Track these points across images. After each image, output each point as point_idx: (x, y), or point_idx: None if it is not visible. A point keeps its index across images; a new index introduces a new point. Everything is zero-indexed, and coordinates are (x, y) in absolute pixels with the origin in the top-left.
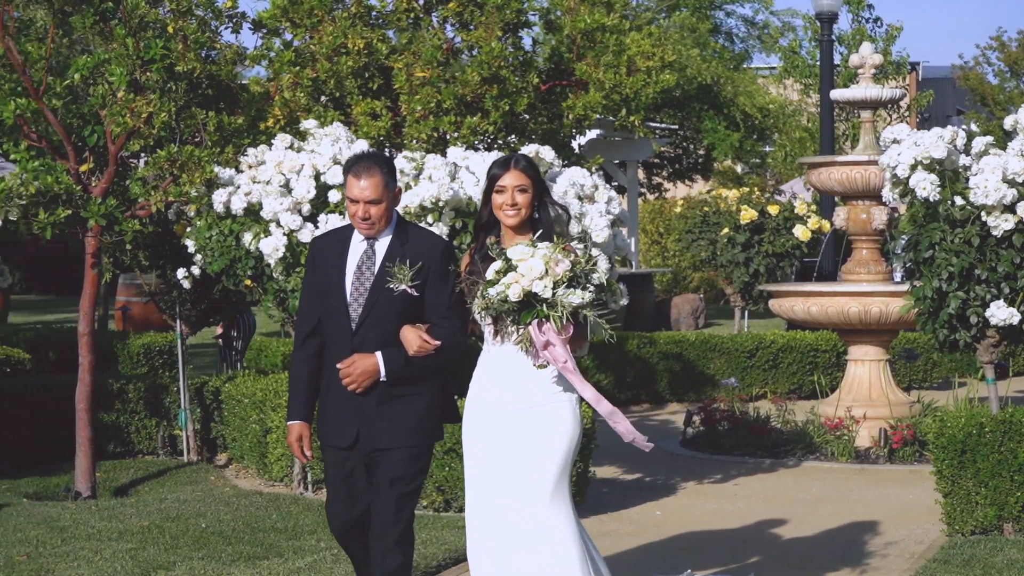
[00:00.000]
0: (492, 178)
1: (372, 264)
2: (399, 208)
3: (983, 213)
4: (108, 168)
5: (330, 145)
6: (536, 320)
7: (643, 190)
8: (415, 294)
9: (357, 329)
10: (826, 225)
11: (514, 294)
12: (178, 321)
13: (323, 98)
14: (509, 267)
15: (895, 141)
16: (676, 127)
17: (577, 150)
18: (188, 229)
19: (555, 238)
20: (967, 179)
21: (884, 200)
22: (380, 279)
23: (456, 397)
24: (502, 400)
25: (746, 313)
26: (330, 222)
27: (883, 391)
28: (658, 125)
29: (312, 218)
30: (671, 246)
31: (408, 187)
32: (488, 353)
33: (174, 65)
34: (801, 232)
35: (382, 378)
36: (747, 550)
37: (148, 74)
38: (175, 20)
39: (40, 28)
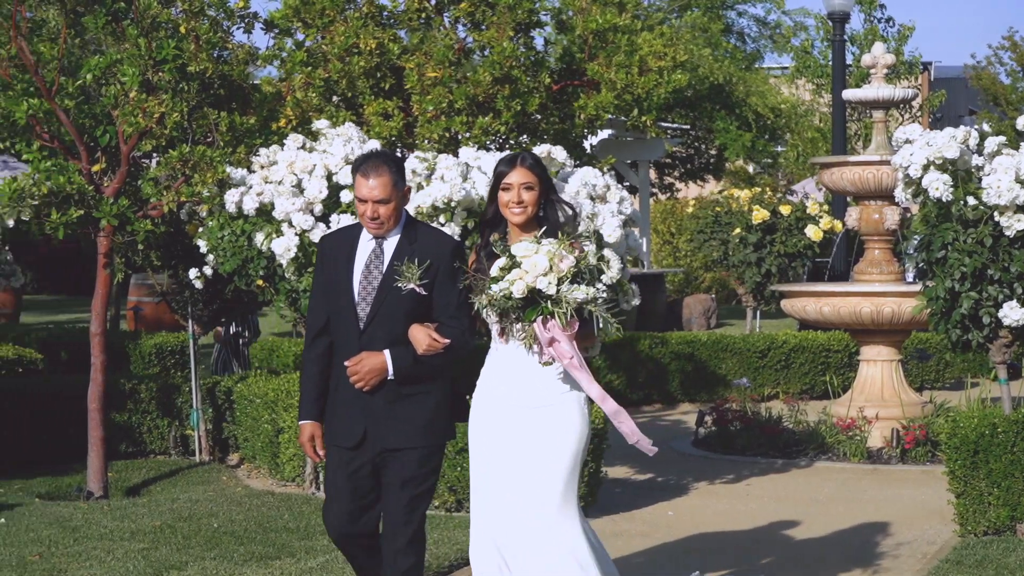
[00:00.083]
0: (498, 175)
1: (380, 263)
2: (411, 208)
3: (996, 213)
4: (120, 168)
5: (342, 145)
6: (541, 317)
7: (655, 190)
8: (423, 293)
9: (365, 328)
10: (838, 225)
11: (518, 291)
12: (190, 321)
13: (335, 98)
14: (513, 264)
15: (907, 141)
16: (688, 127)
17: (589, 150)
18: (200, 229)
19: (559, 234)
20: (980, 179)
21: (896, 200)
22: (388, 278)
23: (467, 396)
24: (509, 398)
25: (758, 313)
26: (342, 222)
27: (895, 391)
28: (670, 125)
29: (324, 218)
30: (683, 246)
31: (420, 187)
32: (496, 351)
33: (186, 65)
34: (813, 232)
35: (390, 376)
36: (759, 550)
37: (160, 74)
38: (187, 20)
39: (52, 28)
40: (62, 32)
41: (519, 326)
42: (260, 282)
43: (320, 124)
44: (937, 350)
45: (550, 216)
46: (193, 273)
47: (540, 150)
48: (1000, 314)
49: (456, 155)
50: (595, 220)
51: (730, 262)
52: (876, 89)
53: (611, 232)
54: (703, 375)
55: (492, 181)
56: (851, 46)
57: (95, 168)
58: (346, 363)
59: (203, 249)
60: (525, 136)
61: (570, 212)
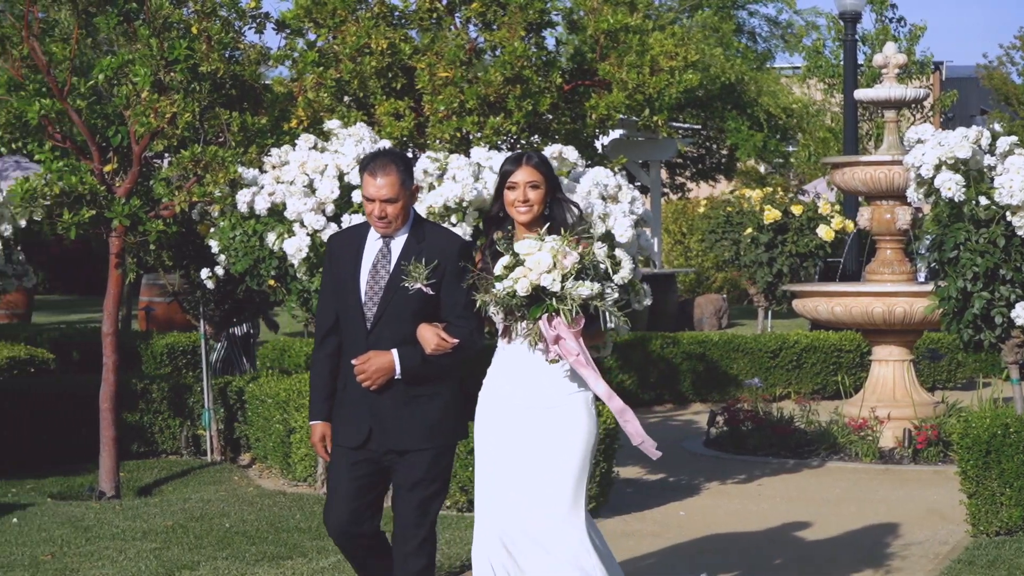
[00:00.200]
0: (504, 174)
1: (387, 262)
2: (423, 208)
3: (1008, 213)
4: (132, 168)
5: (353, 145)
6: (546, 314)
7: (666, 190)
8: (430, 293)
9: (372, 328)
10: (850, 225)
11: (522, 288)
12: (201, 321)
13: (346, 98)
14: (517, 262)
15: (919, 141)
16: (699, 127)
17: (600, 150)
18: (212, 229)
19: (561, 231)
20: (992, 179)
21: (908, 200)
22: (395, 278)
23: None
24: (515, 399)
25: (769, 313)
26: (354, 222)
27: (907, 391)
28: (681, 125)
29: (336, 218)
30: (694, 246)
31: (432, 187)
32: (502, 351)
33: (198, 65)
34: (825, 232)
35: (397, 376)
36: (771, 551)
37: (172, 74)
38: (199, 21)
39: (65, 29)
40: (74, 32)
41: (524, 324)
42: (272, 282)
43: (332, 124)
44: (949, 350)
45: (556, 215)
46: (205, 273)
47: (551, 150)
48: (1012, 314)
49: (468, 155)
50: (607, 220)
51: (742, 262)
52: (888, 89)
53: (623, 232)
54: (715, 375)
55: (498, 180)
56: (863, 46)
57: (107, 168)
58: (353, 362)
59: (215, 249)
60: (536, 136)
61: (577, 211)
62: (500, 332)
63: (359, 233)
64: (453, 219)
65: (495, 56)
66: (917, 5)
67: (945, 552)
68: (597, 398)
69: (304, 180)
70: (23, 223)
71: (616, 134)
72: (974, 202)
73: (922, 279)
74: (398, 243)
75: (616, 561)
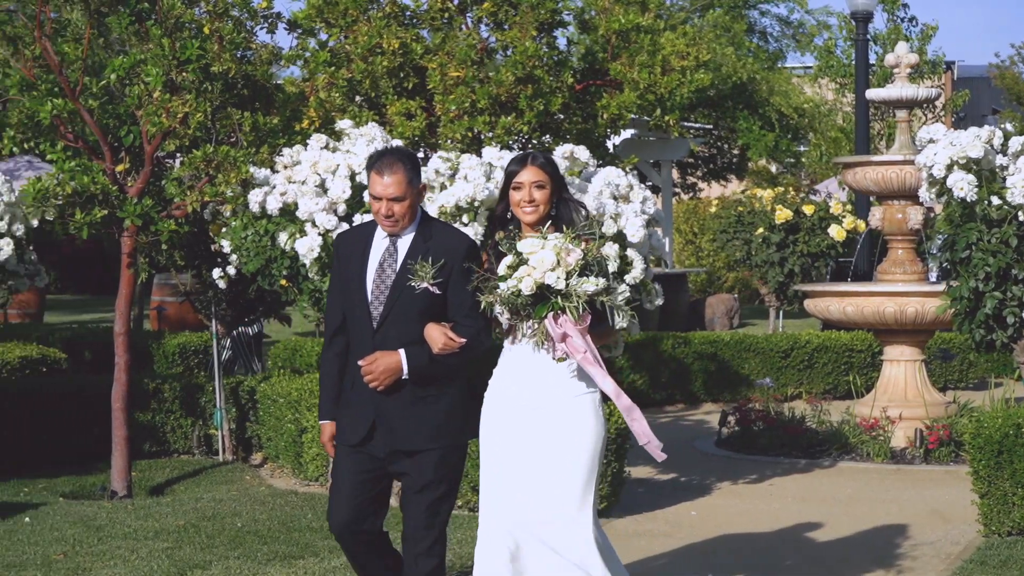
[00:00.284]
0: (509, 175)
1: (394, 262)
2: (434, 208)
3: (1020, 213)
4: (144, 168)
5: (365, 145)
6: (551, 312)
7: (677, 190)
8: (437, 292)
9: (378, 327)
10: (861, 225)
11: (527, 287)
12: (213, 321)
13: (358, 98)
14: (520, 261)
15: (931, 141)
16: (711, 127)
17: (611, 150)
18: (223, 229)
19: (564, 228)
20: (1004, 179)
21: (920, 200)
22: (401, 277)
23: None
24: (521, 399)
25: (781, 313)
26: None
27: (919, 391)
28: (692, 125)
29: (348, 218)
30: (706, 246)
31: (444, 187)
32: (508, 351)
33: (210, 65)
34: (836, 232)
35: (404, 375)
36: (782, 551)
37: (184, 74)
38: (211, 21)
39: (76, 29)
40: (86, 32)
41: (530, 324)
42: (283, 282)
43: (343, 124)
44: (961, 350)
45: (563, 215)
46: (216, 273)
47: (563, 150)
48: None
49: (479, 155)
50: (619, 220)
51: (753, 262)
52: (899, 88)
53: (634, 232)
54: (726, 375)
55: (503, 180)
56: (874, 45)
57: (119, 168)
58: (360, 363)
59: (226, 249)
60: (548, 136)
61: (584, 211)
62: (506, 332)
63: (366, 232)
64: (465, 219)
65: (506, 56)
66: (929, 5)
67: (957, 552)
68: (605, 398)
69: (316, 180)
70: (35, 223)
71: (627, 134)
72: (986, 202)
73: (933, 279)
74: (405, 242)
75: (622, 564)
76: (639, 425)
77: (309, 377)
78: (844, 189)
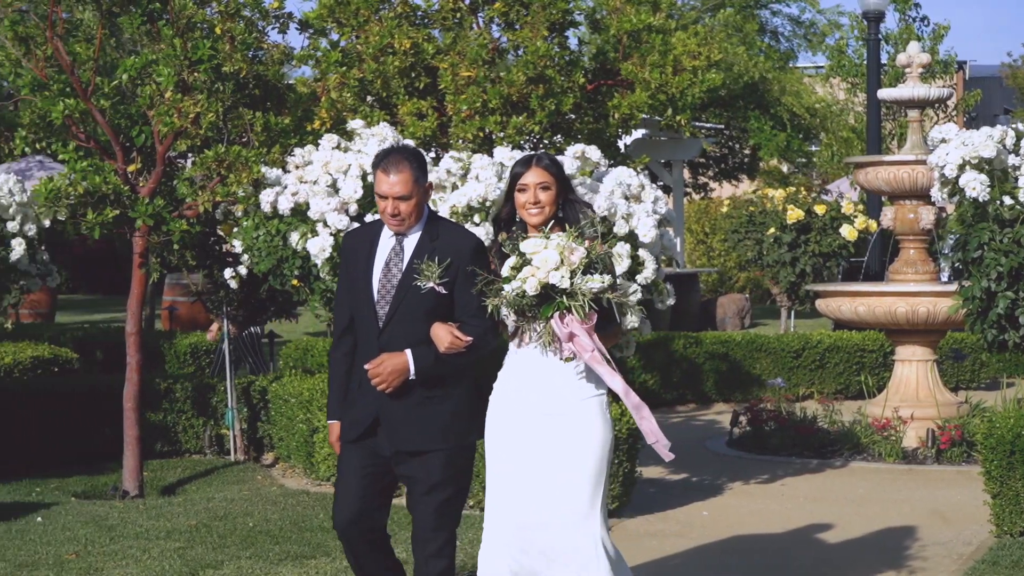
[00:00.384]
0: (514, 176)
1: (400, 261)
2: (446, 208)
3: None
4: (156, 168)
5: (377, 145)
6: (557, 312)
7: (688, 190)
8: (443, 292)
9: (384, 327)
10: (873, 225)
11: (531, 287)
12: (225, 321)
13: (369, 98)
14: (524, 261)
15: (943, 140)
16: (722, 127)
17: (623, 150)
18: (235, 229)
19: (567, 227)
20: (1016, 178)
21: (932, 200)
22: (408, 276)
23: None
24: (527, 404)
25: (792, 313)
26: None
27: (931, 391)
28: (704, 124)
29: (359, 218)
30: (717, 246)
31: (455, 187)
32: (514, 355)
33: (221, 65)
34: (848, 232)
35: (411, 376)
36: (794, 551)
37: (195, 74)
38: (222, 21)
39: (88, 29)
40: (98, 33)
41: (537, 326)
42: (295, 282)
43: (355, 124)
44: (973, 350)
45: (569, 216)
46: (228, 273)
47: (574, 150)
48: None
49: (491, 155)
50: (630, 220)
51: (764, 262)
52: (911, 88)
53: (646, 232)
54: (737, 375)
55: (508, 182)
56: (886, 45)
57: (131, 168)
58: (366, 366)
59: (238, 249)
60: (559, 136)
61: (590, 212)
62: (511, 335)
63: (373, 231)
64: (476, 219)
65: (518, 56)
66: (940, 4)
67: (969, 552)
68: (615, 398)
69: (327, 180)
70: (47, 223)
71: (639, 134)
72: (998, 202)
73: (945, 279)
74: (411, 241)
75: (630, 573)
76: (647, 424)
77: (320, 377)
78: (856, 189)
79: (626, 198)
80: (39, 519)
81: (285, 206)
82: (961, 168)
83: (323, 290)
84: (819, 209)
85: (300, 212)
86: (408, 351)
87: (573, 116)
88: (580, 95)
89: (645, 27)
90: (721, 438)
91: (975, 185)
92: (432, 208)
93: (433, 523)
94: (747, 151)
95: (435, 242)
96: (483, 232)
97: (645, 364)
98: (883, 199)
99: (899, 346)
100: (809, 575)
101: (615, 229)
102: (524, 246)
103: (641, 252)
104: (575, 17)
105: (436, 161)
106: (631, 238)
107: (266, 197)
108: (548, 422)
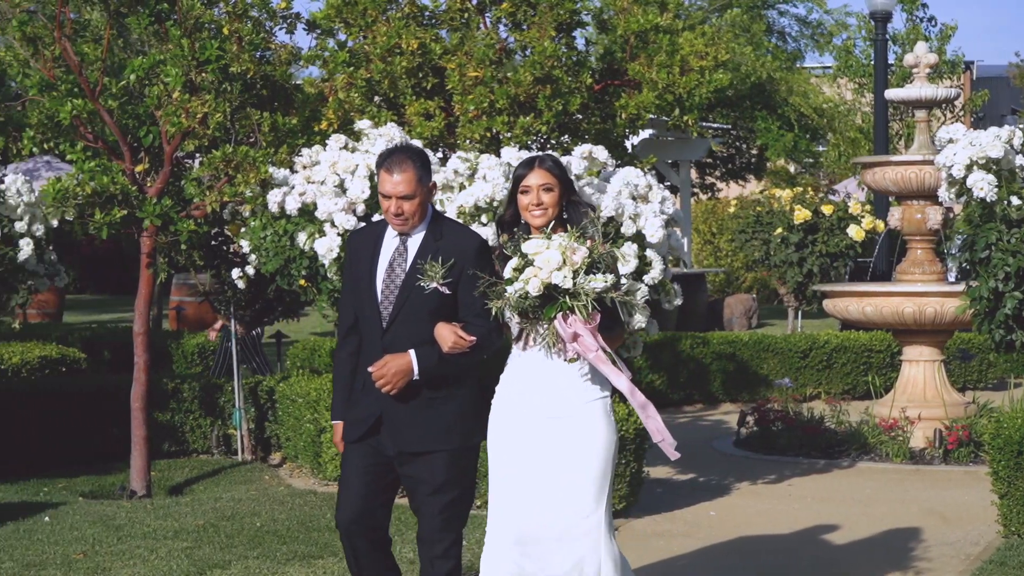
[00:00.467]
0: (517, 179)
1: (404, 261)
2: (453, 208)
3: None
4: (163, 168)
5: (384, 145)
6: (560, 313)
7: (696, 190)
8: (447, 292)
9: (388, 327)
10: (880, 225)
11: (534, 288)
12: (232, 321)
13: (377, 98)
14: (526, 262)
15: (951, 141)
16: (729, 127)
17: (630, 150)
18: (243, 229)
19: (568, 228)
20: (1023, 179)
21: (939, 200)
22: (411, 277)
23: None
24: (530, 406)
25: (799, 313)
26: None
27: (938, 392)
28: (711, 125)
29: (367, 218)
30: (724, 246)
31: (463, 187)
32: (517, 358)
33: (229, 66)
34: (855, 232)
35: (415, 376)
36: (801, 551)
37: (203, 75)
38: (230, 21)
39: (96, 29)
40: (106, 33)
41: (541, 328)
42: (302, 282)
43: (362, 124)
44: (980, 350)
45: (573, 218)
46: (236, 273)
47: (581, 150)
48: None
49: (498, 155)
50: (637, 220)
51: (771, 262)
52: (919, 89)
53: (653, 232)
54: (744, 375)
55: (511, 185)
56: (893, 45)
57: (138, 168)
58: (369, 369)
59: (246, 249)
60: (566, 136)
61: (593, 214)
62: (516, 338)
63: (377, 231)
64: (484, 219)
65: (525, 56)
66: (948, 4)
67: (976, 553)
68: (621, 398)
69: (335, 180)
70: (55, 223)
71: (646, 134)
72: (1006, 202)
73: (952, 279)
74: (415, 241)
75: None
76: (653, 423)
77: (328, 377)
78: (863, 189)
79: (633, 198)
80: (46, 519)
81: (292, 206)
82: (969, 168)
83: (330, 290)
84: (826, 209)
85: (307, 212)
86: (412, 351)
87: (580, 116)
88: (587, 95)
89: (652, 27)
90: (728, 438)
91: (983, 185)
92: (439, 208)
93: (439, 524)
94: (754, 151)
95: (439, 242)
96: (490, 232)
97: (652, 364)
98: (890, 199)
99: (906, 346)
100: (816, 575)
101: (623, 229)
102: (526, 247)
103: (648, 252)
104: (582, 17)
105: (444, 161)
106: (638, 238)
107: (273, 197)
108: (552, 425)
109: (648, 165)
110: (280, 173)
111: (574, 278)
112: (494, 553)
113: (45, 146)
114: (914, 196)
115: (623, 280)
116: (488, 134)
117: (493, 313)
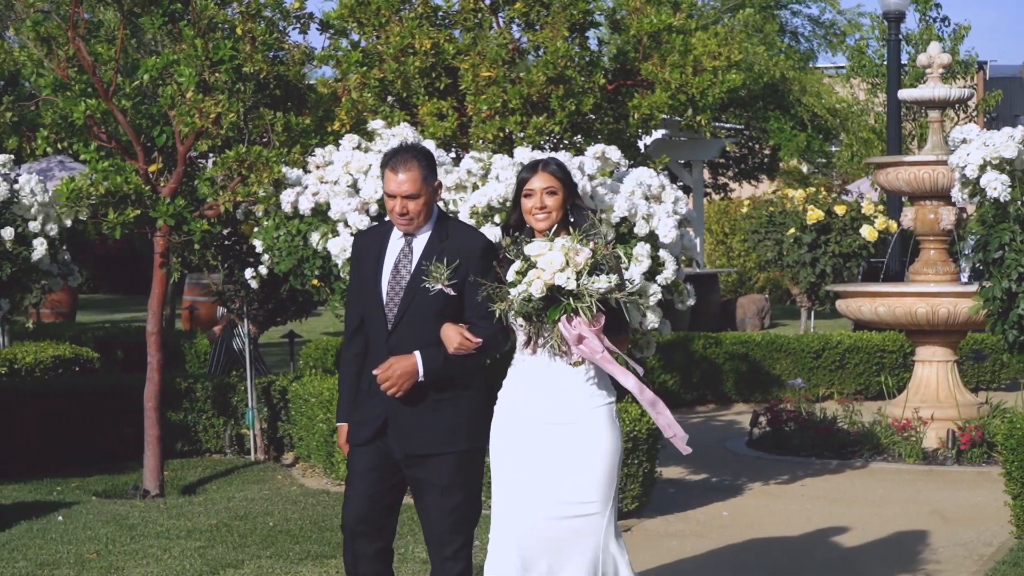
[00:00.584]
0: (520, 182)
1: (409, 262)
2: (466, 208)
3: None
4: (177, 168)
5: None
6: (565, 315)
7: (708, 190)
8: (452, 293)
9: (393, 329)
10: (893, 225)
11: (537, 290)
12: (245, 320)
13: (390, 98)
14: (529, 265)
15: (964, 141)
16: (742, 127)
17: (643, 150)
18: (256, 229)
19: (571, 231)
20: None
21: (953, 200)
22: (416, 278)
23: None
24: (535, 411)
25: (812, 313)
26: None
27: (951, 392)
28: (723, 125)
29: (379, 218)
30: (737, 246)
31: (476, 187)
32: (520, 363)
33: (242, 66)
34: (868, 232)
35: (420, 378)
36: (814, 551)
37: (216, 75)
38: (243, 21)
39: (110, 29)
40: (119, 33)
41: (545, 332)
42: (315, 282)
43: (375, 124)
44: (993, 351)
45: (578, 222)
46: (249, 273)
47: (594, 150)
48: None
49: (511, 155)
50: (650, 220)
51: (784, 262)
52: (932, 89)
53: (666, 232)
54: (757, 375)
55: (515, 188)
56: (906, 45)
57: (152, 168)
58: (374, 372)
59: (259, 249)
60: (579, 136)
61: (591, 216)
62: (524, 343)
63: (382, 231)
64: (497, 219)
65: (538, 56)
66: (961, 4)
67: (989, 553)
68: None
69: (348, 180)
70: (68, 223)
71: (659, 134)
72: (1019, 202)
73: (965, 279)
74: (420, 242)
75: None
76: (663, 418)
77: None
78: (876, 189)
79: (646, 198)
80: (60, 518)
81: (306, 206)
82: (982, 168)
83: (343, 290)
84: (839, 209)
85: (321, 212)
86: (417, 353)
87: (593, 116)
88: (600, 95)
89: (665, 27)
90: (741, 438)
91: (996, 185)
92: (451, 208)
93: (449, 526)
94: (767, 151)
95: (444, 243)
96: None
97: (665, 364)
98: (903, 199)
99: (919, 347)
100: (829, 575)
101: (636, 229)
102: (528, 249)
103: (661, 253)
104: (595, 17)
105: (457, 161)
106: (651, 239)
107: (287, 197)
108: (556, 431)
109: (661, 165)
110: (293, 173)
111: (577, 279)
112: (497, 559)
113: (59, 146)
114: (927, 196)
115: (630, 281)
116: (501, 134)
117: (496, 315)
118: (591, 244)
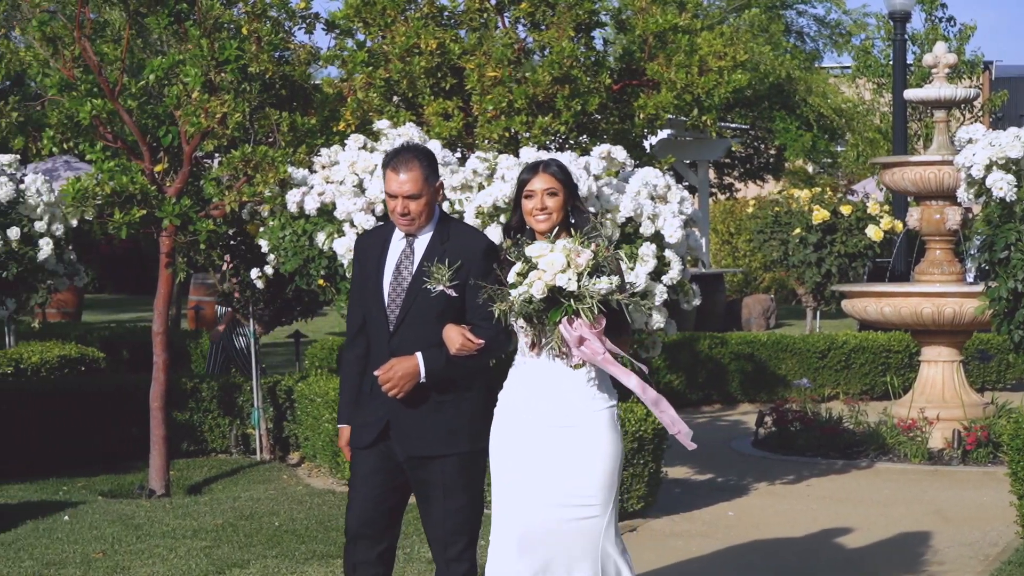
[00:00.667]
0: (521, 183)
1: (410, 263)
2: (471, 208)
3: None
4: (182, 168)
5: None
6: (565, 316)
7: (714, 190)
8: (454, 295)
9: (395, 330)
10: (899, 225)
11: (537, 291)
12: (251, 320)
13: (395, 98)
14: (530, 266)
15: (970, 141)
16: (748, 127)
17: (648, 150)
18: (261, 229)
19: (572, 232)
20: None
21: (958, 200)
22: (418, 279)
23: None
24: (535, 413)
25: (818, 313)
26: None
27: (956, 392)
28: (729, 125)
29: (385, 218)
30: (742, 246)
31: (481, 187)
32: (522, 365)
33: (248, 66)
34: (874, 232)
35: (422, 379)
36: (819, 551)
37: (222, 75)
38: (249, 21)
39: (116, 30)
40: (125, 33)
41: (547, 335)
42: (321, 282)
43: (381, 124)
44: (999, 351)
45: (580, 223)
46: (254, 273)
47: (600, 150)
48: None
49: (517, 155)
50: (656, 220)
51: (790, 262)
52: (938, 89)
53: (672, 232)
54: (763, 375)
55: (515, 189)
56: (912, 45)
57: (158, 168)
58: (376, 373)
59: (264, 249)
60: (585, 136)
61: (595, 219)
62: (523, 346)
63: (384, 232)
64: (503, 219)
65: (544, 56)
66: (967, 4)
67: (995, 554)
68: (635, 400)
69: (354, 180)
70: (74, 223)
71: (664, 134)
72: None
73: (971, 280)
74: (422, 242)
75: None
76: (667, 415)
77: None
78: (882, 189)
79: (652, 199)
80: (66, 518)
81: (311, 206)
82: (988, 168)
83: (349, 290)
84: (845, 209)
85: (326, 212)
86: (419, 354)
87: (599, 116)
88: (606, 95)
89: (671, 27)
90: (747, 438)
91: (1002, 185)
92: (456, 208)
93: (453, 527)
94: (772, 151)
95: (446, 244)
96: None
97: (670, 364)
98: (909, 200)
99: (925, 347)
100: (835, 575)
101: (641, 229)
102: (529, 250)
103: (667, 253)
104: (601, 17)
105: (462, 161)
106: (657, 239)
107: (292, 197)
108: (557, 434)
109: (666, 165)
110: (299, 173)
111: (579, 280)
112: (498, 560)
113: (65, 146)
114: (933, 196)
115: (631, 283)
116: (507, 134)
117: (496, 316)
118: (592, 246)
